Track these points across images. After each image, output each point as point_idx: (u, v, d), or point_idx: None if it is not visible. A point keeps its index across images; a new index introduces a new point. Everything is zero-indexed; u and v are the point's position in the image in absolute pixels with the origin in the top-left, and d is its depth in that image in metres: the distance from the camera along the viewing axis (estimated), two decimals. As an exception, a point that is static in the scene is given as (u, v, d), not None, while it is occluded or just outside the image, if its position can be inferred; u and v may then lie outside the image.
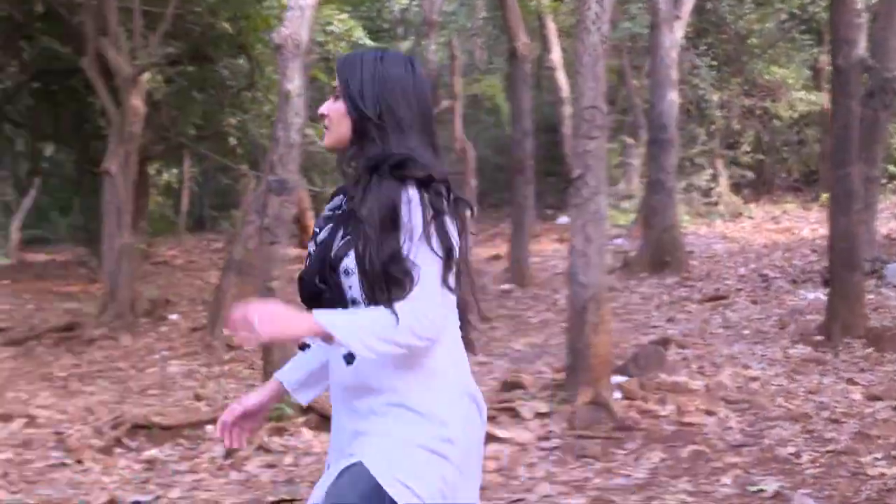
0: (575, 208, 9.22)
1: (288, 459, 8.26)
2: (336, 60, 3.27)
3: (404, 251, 2.89)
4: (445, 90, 26.19)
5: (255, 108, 20.70)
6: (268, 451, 8.47)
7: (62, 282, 20.22)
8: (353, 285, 2.96)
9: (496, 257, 20.78)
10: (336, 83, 3.14)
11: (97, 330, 14.08)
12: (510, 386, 9.83)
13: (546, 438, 8.31)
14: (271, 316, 2.83)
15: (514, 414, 8.88)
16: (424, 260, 2.89)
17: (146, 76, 16.53)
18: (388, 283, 2.88)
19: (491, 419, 8.66)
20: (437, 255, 2.90)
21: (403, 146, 3.01)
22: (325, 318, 2.87)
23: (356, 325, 2.86)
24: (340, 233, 3.01)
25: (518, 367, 11.01)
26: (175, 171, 28.01)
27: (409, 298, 2.86)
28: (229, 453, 8.47)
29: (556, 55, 26.26)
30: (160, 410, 9.94)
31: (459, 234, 3.01)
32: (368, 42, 21.60)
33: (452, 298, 3.02)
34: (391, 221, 2.90)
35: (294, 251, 22.24)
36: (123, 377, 11.87)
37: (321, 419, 9.01)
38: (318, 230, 3.10)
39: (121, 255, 15.15)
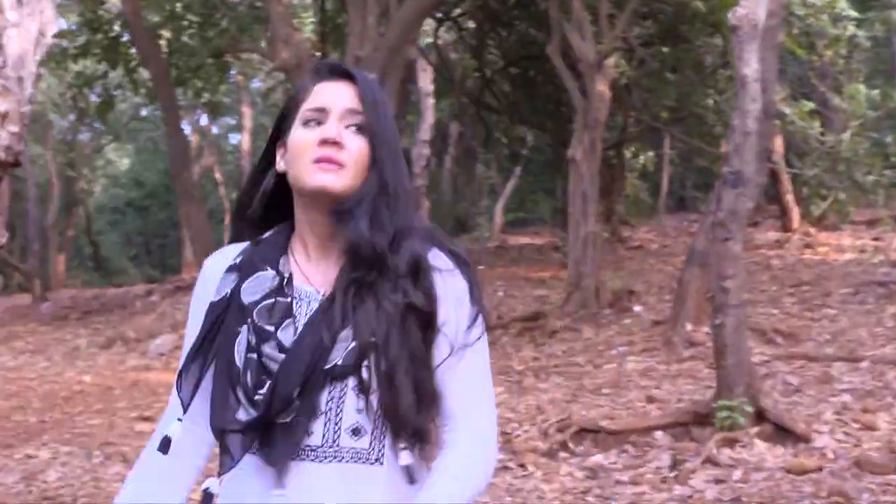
0: None
1: (737, 474, 7.67)
2: (357, 76, 2.32)
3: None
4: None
5: (731, 87, 19.97)
6: (716, 464, 7.92)
7: (535, 267, 20.43)
8: (362, 409, 2.17)
9: None
10: (356, 105, 2.27)
11: (560, 321, 13.96)
12: None
13: None
14: None
15: None
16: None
17: (611, 60, 16.27)
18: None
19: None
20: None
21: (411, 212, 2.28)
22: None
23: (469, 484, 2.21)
24: (345, 331, 2.17)
25: None
26: (651, 153, 27.71)
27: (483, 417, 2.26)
28: (675, 464, 8.02)
29: None
30: (609, 413, 9.61)
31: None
32: (852, 13, 20.33)
33: None
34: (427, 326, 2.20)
35: (773, 235, 21.46)
36: (579, 373, 11.63)
37: (776, 430, 8.38)
38: (269, 327, 2.19)
39: (586, 244, 14.98)
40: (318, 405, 2.14)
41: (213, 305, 2.25)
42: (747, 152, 8.98)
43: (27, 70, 6.71)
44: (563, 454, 8.55)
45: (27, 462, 8.84)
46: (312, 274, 2.26)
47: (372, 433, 2.18)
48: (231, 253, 2.33)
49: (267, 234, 2.33)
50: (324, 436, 2.15)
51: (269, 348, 2.15)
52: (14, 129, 6.58)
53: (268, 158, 2.34)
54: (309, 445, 2.15)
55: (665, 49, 20.46)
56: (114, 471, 8.64)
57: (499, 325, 14.47)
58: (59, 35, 21.41)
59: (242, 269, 2.26)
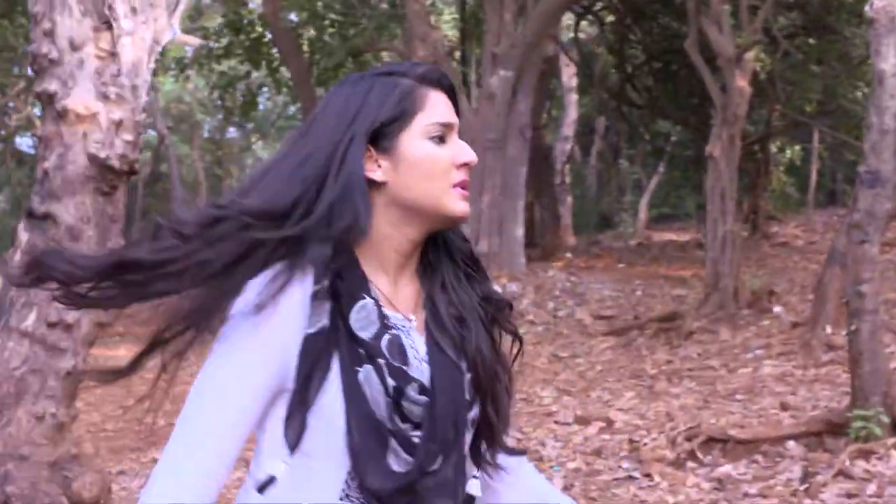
0: None
1: (871, 488, 7.35)
2: (455, 91, 2.11)
3: None
4: None
5: (879, 79, 19.39)
6: (849, 476, 7.60)
7: (676, 265, 20.07)
8: (468, 442, 2.06)
9: None
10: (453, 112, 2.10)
11: (697, 322, 13.66)
12: None
13: None
14: None
15: None
16: None
17: (751, 54, 15.86)
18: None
19: None
20: None
21: None
22: None
23: None
24: (462, 362, 2.02)
25: None
26: (798, 147, 27.05)
27: None
28: (806, 476, 7.74)
29: None
30: (741, 420, 9.33)
31: None
32: None
33: None
34: None
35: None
36: (712, 377, 11.32)
37: (915, 442, 8.02)
38: (405, 367, 1.94)
39: (724, 243, 14.65)
40: (462, 447, 1.99)
41: (311, 338, 1.91)
42: (885, 151, 8.64)
43: (141, 78, 6.73)
44: (690, 464, 8.32)
45: (152, 466, 8.91)
46: (394, 297, 2.02)
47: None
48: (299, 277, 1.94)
49: (327, 253, 1.95)
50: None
51: (412, 391, 1.92)
52: (129, 137, 6.60)
53: (349, 161, 1.96)
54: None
55: (810, 40, 19.95)
56: (236, 476, 8.63)
57: (635, 326, 14.24)
58: (205, 35, 21.80)
59: (339, 298, 1.94)
